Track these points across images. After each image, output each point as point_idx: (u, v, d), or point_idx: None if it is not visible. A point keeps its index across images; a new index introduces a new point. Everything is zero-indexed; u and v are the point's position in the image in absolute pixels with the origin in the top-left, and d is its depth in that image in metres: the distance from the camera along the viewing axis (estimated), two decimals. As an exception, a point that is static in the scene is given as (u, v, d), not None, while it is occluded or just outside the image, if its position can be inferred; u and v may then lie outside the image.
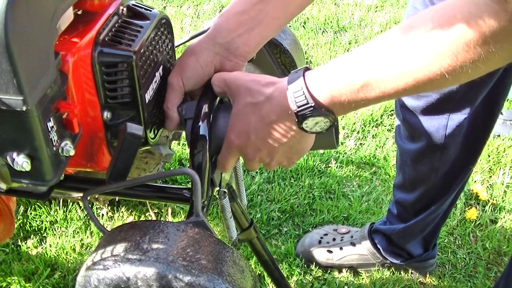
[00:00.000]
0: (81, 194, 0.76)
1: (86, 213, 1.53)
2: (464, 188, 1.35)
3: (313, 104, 0.63)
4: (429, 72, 0.55)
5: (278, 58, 1.08)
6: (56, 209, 1.53)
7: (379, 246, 1.42)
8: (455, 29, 0.52)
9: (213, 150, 0.75)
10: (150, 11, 0.77)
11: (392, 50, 0.58)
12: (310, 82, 0.64)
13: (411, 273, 1.43)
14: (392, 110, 2.02)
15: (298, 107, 0.64)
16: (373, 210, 1.62)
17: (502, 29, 0.50)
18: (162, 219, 1.55)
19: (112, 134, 0.73)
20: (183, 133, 1.67)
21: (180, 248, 0.61)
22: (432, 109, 1.13)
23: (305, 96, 0.63)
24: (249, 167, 0.75)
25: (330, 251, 1.44)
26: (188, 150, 0.82)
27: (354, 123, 1.95)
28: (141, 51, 0.70)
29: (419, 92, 0.59)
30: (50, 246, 1.44)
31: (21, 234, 1.47)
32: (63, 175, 0.70)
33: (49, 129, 0.61)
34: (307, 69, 0.66)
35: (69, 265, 1.39)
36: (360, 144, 1.88)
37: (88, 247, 1.45)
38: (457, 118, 1.13)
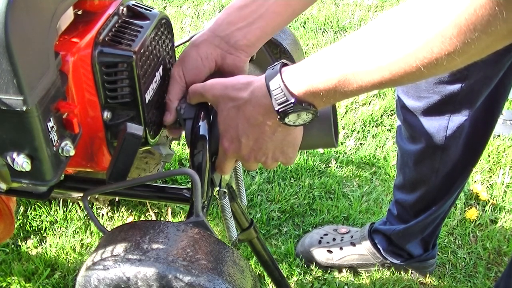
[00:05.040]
0: (81, 194, 0.76)
1: (86, 213, 1.53)
2: (464, 188, 1.35)
3: (292, 101, 0.63)
4: (404, 65, 0.54)
5: (278, 58, 1.08)
6: (56, 209, 1.53)
7: (379, 246, 1.42)
8: (430, 22, 0.51)
9: (213, 150, 0.75)
10: (150, 11, 0.77)
11: (368, 43, 0.58)
12: (287, 78, 0.64)
13: (411, 273, 1.43)
14: (392, 110, 2.02)
15: (279, 104, 0.64)
16: (373, 210, 1.62)
17: (479, 19, 0.48)
18: (162, 219, 1.55)
19: (112, 134, 0.73)
20: (183, 133, 1.67)
21: (180, 248, 0.61)
22: (432, 110, 1.13)
23: (284, 94, 0.63)
24: (247, 167, 0.76)
25: (330, 251, 1.44)
26: (188, 150, 0.82)
27: (354, 123, 1.95)
28: (141, 51, 0.70)
29: (395, 85, 0.59)
30: (50, 246, 1.44)
31: (21, 234, 1.47)
32: (63, 175, 0.70)
33: (49, 129, 0.61)
34: (284, 64, 0.66)
35: (69, 265, 1.39)
36: (360, 144, 1.88)
37: (88, 247, 1.45)
38: (458, 119, 1.13)
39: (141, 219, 1.54)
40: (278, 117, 0.65)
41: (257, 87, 0.67)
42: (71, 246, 1.44)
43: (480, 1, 0.47)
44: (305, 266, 1.44)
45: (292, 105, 0.63)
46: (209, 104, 0.76)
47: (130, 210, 1.55)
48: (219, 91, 0.71)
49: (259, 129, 0.69)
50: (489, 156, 1.82)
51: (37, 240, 1.46)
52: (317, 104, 0.64)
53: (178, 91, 0.79)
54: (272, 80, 0.65)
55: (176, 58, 0.89)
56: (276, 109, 0.64)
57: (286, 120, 0.65)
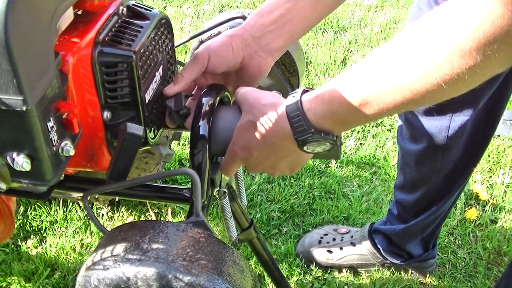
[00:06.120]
0: (81, 194, 0.76)
1: (86, 213, 1.53)
2: (464, 188, 1.34)
3: (311, 130, 0.63)
4: (425, 83, 0.54)
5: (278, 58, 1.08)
6: (56, 209, 1.53)
7: (379, 246, 1.42)
8: (448, 37, 0.51)
9: (213, 151, 0.75)
10: (150, 11, 0.77)
11: (387, 64, 0.57)
12: (307, 107, 0.64)
13: (411, 273, 1.43)
14: (392, 110, 2.02)
15: (298, 132, 0.64)
16: (373, 210, 1.62)
17: (498, 30, 0.47)
18: (162, 219, 1.55)
19: (112, 134, 0.73)
20: (183, 133, 1.67)
21: (180, 248, 0.61)
22: (434, 110, 1.13)
23: (303, 123, 0.63)
24: (250, 172, 0.76)
25: (330, 251, 1.44)
26: (188, 150, 0.82)
27: (354, 123, 1.95)
28: (141, 51, 0.70)
29: (418, 106, 0.58)
30: (50, 246, 1.44)
31: (21, 234, 1.47)
32: (63, 175, 0.70)
33: (49, 129, 0.61)
34: (304, 91, 0.66)
35: (69, 265, 1.39)
36: (360, 144, 1.88)
37: (88, 247, 1.45)
38: (460, 119, 1.13)
39: (141, 219, 1.54)
40: (297, 144, 0.65)
41: (278, 111, 0.67)
42: (71, 246, 1.44)
43: (498, 11, 0.46)
44: (305, 266, 1.44)
45: (310, 134, 0.63)
46: (211, 104, 0.76)
47: (130, 210, 1.55)
48: (248, 98, 0.71)
49: (272, 149, 0.69)
50: (489, 156, 1.82)
51: (37, 240, 1.46)
52: (337, 130, 0.64)
53: (195, 71, 0.79)
54: (292, 108, 0.65)
55: (176, 58, 0.89)
56: (296, 137, 0.65)
57: (305, 148, 0.66)
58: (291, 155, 0.70)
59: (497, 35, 0.48)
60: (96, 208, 1.55)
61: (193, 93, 0.84)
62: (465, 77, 0.51)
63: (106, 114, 0.71)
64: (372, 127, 1.95)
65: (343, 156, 1.81)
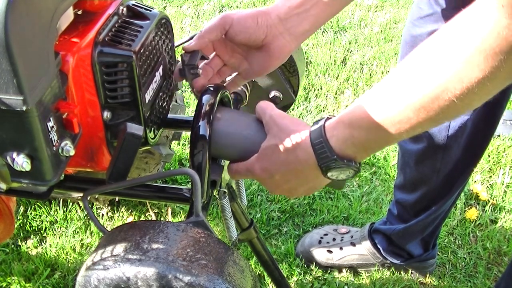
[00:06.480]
0: (81, 194, 0.76)
1: (86, 213, 1.53)
2: (464, 188, 1.34)
3: (334, 157, 0.64)
4: (437, 100, 0.54)
5: (278, 58, 1.08)
6: (56, 209, 1.53)
7: (379, 246, 1.42)
8: (456, 51, 0.51)
9: (212, 153, 0.75)
10: (150, 11, 0.77)
11: (399, 84, 0.57)
12: (329, 133, 0.64)
13: (411, 273, 1.43)
14: (392, 110, 2.02)
15: (321, 159, 0.65)
16: (373, 210, 1.62)
17: (504, 41, 0.47)
18: (162, 219, 1.55)
19: (112, 134, 0.73)
20: (183, 133, 1.67)
21: (180, 248, 0.61)
22: None
23: (326, 149, 0.64)
24: (264, 186, 0.76)
25: (330, 251, 1.44)
26: (188, 150, 0.82)
27: (354, 123, 1.95)
28: (141, 51, 0.70)
29: (436, 124, 0.58)
30: (50, 246, 1.44)
31: (21, 234, 1.47)
32: (63, 175, 0.70)
33: (49, 129, 0.61)
34: (328, 118, 0.67)
35: (69, 265, 1.39)
36: (360, 144, 1.88)
37: (88, 247, 1.45)
38: (460, 119, 1.13)
39: (141, 219, 1.54)
40: (321, 171, 0.66)
41: (304, 138, 0.67)
42: (71, 246, 1.44)
43: (503, 23, 0.47)
44: (305, 266, 1.44)
45: (334, 161, 0.64)
46: (211, 104, 0.75)
47: (130, 210, 1.55)
48: (279, 123, 0.71)
49: (295, 174, 0.69)
50: (489, 156, 1.82)
51: (37, 240, 1.46)
52: (360, 156, 0.64)
53: (215, 31, 0.78)
54: (315, 135, 0.65)
55: (176, 58, 0.89)
56: (319, 164, 0.65)
57: (329, 174, 0.66)
58: (312, 181, 0.70)
59: (503, 46, 0.48)
60: (96, 208, 1.55)
61: (210, 57, 0.83)
62: (475, 90, 0.52)
63: (106, 114, 0.71)
64: (372, 127, 1.95)
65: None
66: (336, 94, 2.10)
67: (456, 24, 0.52)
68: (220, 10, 2.71)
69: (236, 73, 0.87)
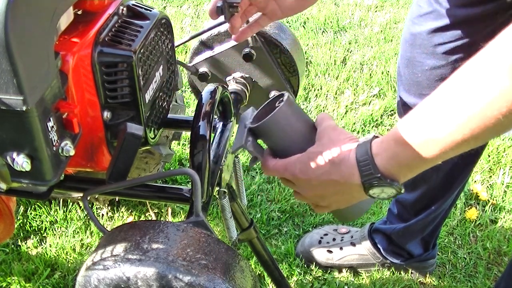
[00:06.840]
0: (81, 194, 0.76)
1: (86, 213, 1.53)
2: (464, 188, 1.34)
3: (378, 175, 0.64)
4: (483, 119, 0.55)
5: (278, 58, 1.08)
6: (56, 209, 1.53)
7: (379, 246, 1.42)
8: (501, 69, 0.52)
9: (261, 129, 0.73)
10: (150, 11, 0.77)
11: (444, 104, 0.58)
12: (375, 151, 0.65)
13: (411, 273, 1.43)
14: (392, 110, 2.02)
15: (364, 175, 0.65)
16: (373, 210, 1.62)
17: None
18: (162, 219, 1.55)
19: (112, 134, 0.73)
20: (183, 133, 1.67)
21: (180, 248, 0.61)
22: None
23: (371, 166, 0.64)
24: (297, 196, 0.76)
25: (330, 251, 1.44)
26: (188, 150, 0.82)
27: (354, 123, 1.95)
28: (141, 51, 0.70)
29: (480, 143, 0.59)
30: (50, 246, 1.44)
31: (21, 234, 1.47)
32: (63, 175, 0.70)
33: (49, 129, 0.61)
34: (375, 136, 0.67)
35: (69, 265, 1.39)
36: (360, 144, 1.88)
37: (88, 247, 1.45)
38: None
39: (141, 219, 1.54)
40: (364, 188, 0.66)
41: (351, 154, 0.67)
42: (71, 246, 1.44)
43: None
44: (305, 266, 1.44)
45: (377, 179, 0.64)
46: (211, 104, 0.75)
47: (130, 210, 1.55)
48: (332, 136, 0.71)
49: (332, 185, 0.69)
50: (489, 156, 1.82)
51: (37, 240, 1.46)
52: (403, 176, 0.65)
53: None
54: (361, 151, 0.66)
55: (176, 58, 0.89)
56: (362, 180, 0.65)
57: (371, 192, 0.66)
58: (350, 194, 0.70)
59: None
60: (96, 208, 1.55)
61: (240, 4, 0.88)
62: None
63: (106, 114, 0.71)
64: (372, 127, 1.95)
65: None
66: (336, 94, 2.10)
67: (502, 42, 0.53)
68: (220, 10, 2.71)
69: (261, 13, 0.92)
